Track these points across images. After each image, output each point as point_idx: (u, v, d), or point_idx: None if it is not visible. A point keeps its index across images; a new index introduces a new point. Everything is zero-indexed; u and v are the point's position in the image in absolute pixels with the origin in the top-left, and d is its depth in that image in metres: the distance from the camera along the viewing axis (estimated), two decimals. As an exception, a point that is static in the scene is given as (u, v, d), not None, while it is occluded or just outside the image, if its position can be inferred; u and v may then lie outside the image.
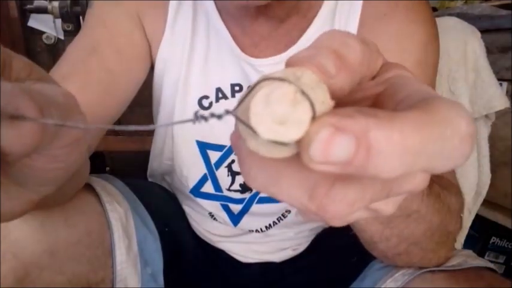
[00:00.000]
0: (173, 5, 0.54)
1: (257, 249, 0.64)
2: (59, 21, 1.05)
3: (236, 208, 0.60)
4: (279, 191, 0.16)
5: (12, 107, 0.15)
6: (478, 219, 0.85)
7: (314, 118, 0.14)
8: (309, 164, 0.14)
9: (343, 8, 0.52)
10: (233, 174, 0.58)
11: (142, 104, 0.65)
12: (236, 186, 0.59)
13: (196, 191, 0.61)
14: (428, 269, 0.45)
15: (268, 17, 0.51)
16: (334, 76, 0.15)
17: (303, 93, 0.14)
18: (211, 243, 0.65)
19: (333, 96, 0.15)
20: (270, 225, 0.61)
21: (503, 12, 0.97)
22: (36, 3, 1.07)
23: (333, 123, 0.13)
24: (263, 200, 0.59)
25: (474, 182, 0.73)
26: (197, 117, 0.16)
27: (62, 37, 1.17)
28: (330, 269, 0.62)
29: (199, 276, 0.64)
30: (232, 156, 0.58)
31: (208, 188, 0.60)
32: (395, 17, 0.50)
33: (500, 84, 0.76)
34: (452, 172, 0.52)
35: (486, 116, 0.74)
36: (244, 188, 0.59)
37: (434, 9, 1.18)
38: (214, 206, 0.61)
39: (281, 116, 0.14)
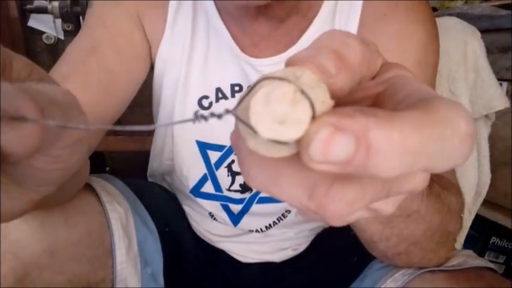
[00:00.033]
0: (173, 5, 0.54)
1: (257, 249, 0.64)
2: (59, 21, 1.05)
3: (236, 208, 0.60)
4: (278, 190, 0.16)
5: (13, 109, 0.14)
6: (478, 219, 0.85)
7: (314, 117, 0.14)
8: (309, 164, 0.14)
9: (343, 8, 0.52)
10: (233, 174, 0.58)
11: (142, 104, 0.65)
12: (236, 186, 0.59)
13: (196, 191, 0.61)
14: (428, 269, 0.45)
15: (268, 17, 0.51)
16: (334, 76, 0.15)
17: (303, 92, 0.14)
18: (211, 243, 0.65)
19: (333, 96, 0.15)
20: (270, 225, 0.61)
21: (503, 12, 0.97)
22: (36, 3, 1.07)
23: (333, 122, 0.13)
24: (263, 200, 0.59)
25: (474, 182, 0.73)
26: (197, 117, 0.16)
27: (62, 37, 1.17)
28: (330, 269, 0.62)
29: (199, 276, 0.64)
30: (232, 156, 0.58)
31: (208, 188, 0.60)
32: (395, 17, 0.50)
33: (500, 84, 0.76)
34: (453, 172, 0.52)
35: (486, 116, 0.74)
36: (244, 188, 0.59)
37: (434, 9, 1.18)
38: (214, 206, 0.61)
39: (281, 115, 0.14)
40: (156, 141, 0.64)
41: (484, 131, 0.75)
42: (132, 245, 0.53)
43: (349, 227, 0.42)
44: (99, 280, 0.48)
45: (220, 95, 0.56)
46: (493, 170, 0.75)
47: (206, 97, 0.56)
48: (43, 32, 1.20)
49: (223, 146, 0.57)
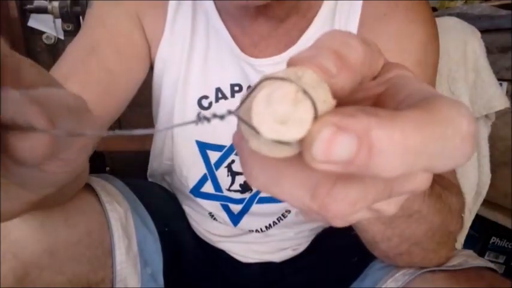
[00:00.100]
0: (172, 5, 0.54)
1: (257, 249, 0.64)
2: (59, 21, 1.05)
3: (236, 208, 0.60)
4: (280, 190, 0.16)
5: (22, 118, 0.14)
6: (478, 219, 0.85)
7: (316, 117, 0.14)
8: (311, 163, 0.14)
9: (343, 8, 0.52)
10: (233, 174, 0.58)
11: (142, 104, 0.65)
12: (236, 186, 0.59)
13: (196, 191, 0.61)
14: (429, 269, 0.45)
15: (268, 17, 0.51)
16: (335, 76, 0.15)
17: (305, 92, 0.14)
18: (211, 243, 0.65)
19: (334, 96, 0.15)
20: (270, 225, 0.61)
21: (503, 12, 0.97)
22: (36, 3, 1.07)
23: (335, 122, 0.13)
24: (263, 200, 0.59)
25: (474, 182, 0.73)
26: (200, 119, 0.16)
27: (62, 37, 1.17)
28: (330, 269, 0.62)
29: (199, 276, 0.64)
30: (232, 157, 0.58)
31: (208, 188, 0.60)
32: (395, 17, 0.50)
33: (500, 84, 0.76)
34: (453, 172, 0.52)
35: (486, 116, 0.74)
36: (244, 188, 0.59)
37: (434, 9, 1.18)
38: (214, 206, 0.61)
39: (283, 115, 0.14)
40: (156, 141, 0.64)
41: (484, 131, 0.75)
42: (131, 245, 0.53)
43: (349, 227, 0.42)
44: (99, 280, 0.48)
45: (220, 95, 0.56)
46: (493, 170, 0.75)
47: (206, 97, 0.56)
48: (43, 32, 1.20)
49: (223, 146, 0.57)
